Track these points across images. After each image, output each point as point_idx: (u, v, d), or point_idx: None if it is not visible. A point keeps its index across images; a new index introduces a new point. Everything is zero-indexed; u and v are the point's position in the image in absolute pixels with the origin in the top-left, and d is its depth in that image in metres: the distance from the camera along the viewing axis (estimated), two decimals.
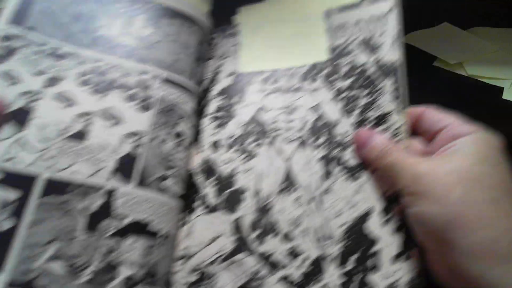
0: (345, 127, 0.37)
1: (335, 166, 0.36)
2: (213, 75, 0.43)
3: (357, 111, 0.37)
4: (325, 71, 0.40)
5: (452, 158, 0.30)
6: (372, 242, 0.33)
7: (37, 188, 0.31)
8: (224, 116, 0.40)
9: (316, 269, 0.33)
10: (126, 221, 0.32)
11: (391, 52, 0.37)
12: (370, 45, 0.39)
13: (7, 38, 0.34)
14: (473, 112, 0.35)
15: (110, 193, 0.32)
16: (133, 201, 0.33)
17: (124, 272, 0.30)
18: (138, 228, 0.32)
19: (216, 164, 0.38)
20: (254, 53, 0.42)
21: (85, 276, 0.29)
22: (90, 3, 0.38)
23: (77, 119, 0.34)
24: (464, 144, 0.31)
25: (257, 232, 0.35)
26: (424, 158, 0.32)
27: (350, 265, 0.32)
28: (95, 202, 0.32)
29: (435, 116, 0.34)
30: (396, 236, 0.32)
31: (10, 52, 0.34)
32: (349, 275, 0.32)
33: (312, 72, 0.40)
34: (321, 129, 0.37)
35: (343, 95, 0.38)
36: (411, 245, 0.32)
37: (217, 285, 0.34)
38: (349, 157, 0.36)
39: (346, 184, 0.35)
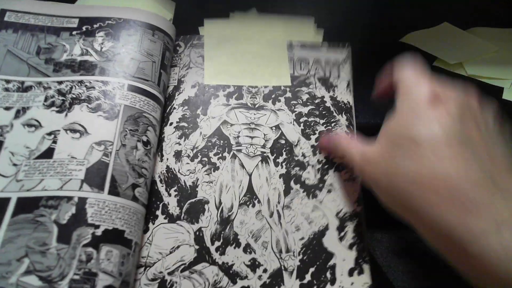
0: (304, 149, 0.40)
1: (295, 184, 0.38)
2: (177, 83, 0.43)
3: (315, 136, 0.41)
4: (287, 95, 0.42)
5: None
6: (328, 256, 0.35)
7: (10, 209, 0.31)
8: (187, 127, 0.40)
9: (275, 281, 0.34)
10: (102, 229, 0.31)
11: (346, 95, 0.44)
12: (327, 84, 0.44)
13: None
14: None
15: (81, 202, 0.31)
16: (106, 209, 0.31)
17: (103, 282, 0.29)
18: (115, 236, 0.31)
19: (178, 174, 0.38)
20: (219, 67, 0.43)
21: (63, 287, 0.28)
22: (49, 37, 0.40)
23: (44, 138, 0.35)
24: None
25: (218, 243, 0.35)
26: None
27: (308, 278, 0.35)
28: (67, 212, 0.31)
29: None
30: (351, 252, 0.36)
31: None
32: (307, 287, 0.34)
33: (275, 93, 0.42)
34: (282, 147, 0.40)
35: (303, 119, 0.41)
36: (364, 260, 0.35)
37: None
38: (308, 176, 0.38)
39: (304, 201, 0.38)
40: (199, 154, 0.39)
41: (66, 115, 0.36)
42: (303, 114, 0.42)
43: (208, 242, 0.35)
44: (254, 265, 0.35)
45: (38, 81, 0.37)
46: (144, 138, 0.36)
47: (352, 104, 0.43)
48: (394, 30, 0.52)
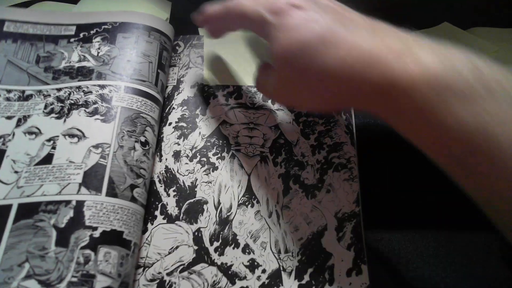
0: (303, 148, 0.40)
1: (294, 184, 0.38)
2: (176, 83, 0.43)
3: (314, 136, 0.40)
4: None
5: None
6: (327, 256, 0.35)
7: (11, 216, 0.32)
8: (186, 127, 0.40)
9: (274, 281, 0.34)
10: (99, 231, 0.31)
11: None
12: None
13: None
14: None
15: (79, 205, 0.32)
16: (104, 211, 0.32)
17: (101, 283, 0.29)
18: (113, 238, 0.31)
19: (177, 174, 0.38)
20: (218, 68, 0.43)
21: None
22: (48, 46, 0.41)
23: (44, 145, 0.35)
24: None
25: (217, 244, 0.35)
26: None
27: (306, 278, 0.35)
28: (65, 216, 0.31)
29: None
30: (349, 252, 0.36)
31: None
32: (306, 287, 0.34)
33: None
34: (281, 147, 0.40)
35: (302, 119, 0.41)
36: (362, 261, 0.35)
37: None
38: (307, 176, 0.38)
39: (303, 201, 0.37)
40: (198, 154, 0.39)
41: (64, 120, 0.36)
42: (302, 114, 0.41)
43: (207, 243, 0.35)
44: (253, 266, 0.35)
45: (38, 89, 0.38)
46: (142, 139, 0.36)
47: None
48: None
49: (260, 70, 0.36)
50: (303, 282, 0.35)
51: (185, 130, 0.40)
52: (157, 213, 0.36)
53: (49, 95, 0.38)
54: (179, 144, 0.39)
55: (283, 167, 0.39)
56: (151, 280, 0.34)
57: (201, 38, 0.45)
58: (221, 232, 0.36)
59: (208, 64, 0.43)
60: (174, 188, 0.37)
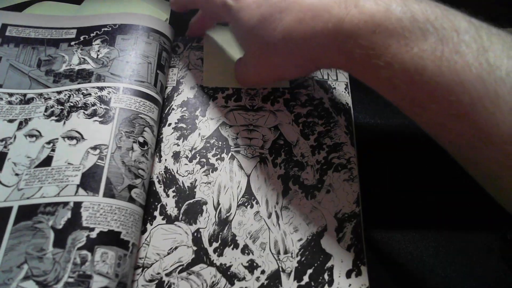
0: (303, 149, 0.40)
1: (293, 184, 0.38)
2: (176, 84, 0.43)
3: (314, 136, 0.40)
4: (286, 96, 0.42)
5: None
6: (326, 257, 0.35)
7: (12, 218, 0.32)
8: (186, 128, 0.40)
9: (273, 282, 0.34)
10: (96, 232, 0.31)
11: (344, 96, 0.43)
12: (325, 85, 0.44)
13: None
14: None
15: (76, 207, 0.32)
16: (101, 212, 0.32)
17: (98, 283, 0.30)
18: (111, 238, 0.32)
19: (176, 175, 0.38)
20: (218, 70, 0.43)
21: None
22: (49, 49, 0.42)
23: (44, 147, 0.36)
24: None
25: (216, 244, 0.35)
26: None
27: (306, 279, 0.35)
28: (63, 217, 0.32)
29: None
30: (349, 253, 0.35)
31: None
32: None
33: (273, 94, 0.42)
34: (281, 148, 0.40)
35: (302, 119, 0.41)
36: (361, 262, 0.35)
37: None
38: (307, 176, 0.38)
39: (303, 201, 0.37)
40: (197, 155, 0.39)
41: (64, 123, 0.37)
42: (302, 114, 0.41)
43: (206, 243, 0.35)
44: (252, 267, 0.35)
45: (39, 92, 0.39)
46: (141, 139, 0.36)
47: (351, 105, 0.43)
48: None
49: (236, 66, 0.42)
50: (303, 283, 0.34)
51: (185, 131, 0.40)
52: (156, 213, 0.36)
53: (50, 98, 0.38)
54: (178, 145, 0.39)
55: (282, 168, 0.39)
56: (150, 281, 0.34)
57: (201, 39, 0.45)
58: (220, 233, 0.36)
59: (208, 66, 0.43)
60: (173, 188, 0.37)
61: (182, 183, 0.38)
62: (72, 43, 0.41)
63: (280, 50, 0.34)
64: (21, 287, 0.29)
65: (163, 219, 0.36)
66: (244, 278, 0.34)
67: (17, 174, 0.34)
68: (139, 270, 0.34)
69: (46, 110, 0.37)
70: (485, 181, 0.30)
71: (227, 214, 0.37)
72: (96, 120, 0.36)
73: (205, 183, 0.38)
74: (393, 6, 0.29)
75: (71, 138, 0.36)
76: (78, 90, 0.38)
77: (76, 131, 0.36)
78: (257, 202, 0.37)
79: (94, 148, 0.35)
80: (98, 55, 0.40)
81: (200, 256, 0.35)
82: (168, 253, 0.35)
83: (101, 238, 0.31)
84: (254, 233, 0.36)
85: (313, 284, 0.34)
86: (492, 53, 0.27)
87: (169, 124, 0.40)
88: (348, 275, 0.35)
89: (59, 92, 0.38)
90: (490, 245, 0.37)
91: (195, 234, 0.36)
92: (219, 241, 0.36)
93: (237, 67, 0.42)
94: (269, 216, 0.37)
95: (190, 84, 0.42)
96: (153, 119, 0.38)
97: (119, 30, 0.42)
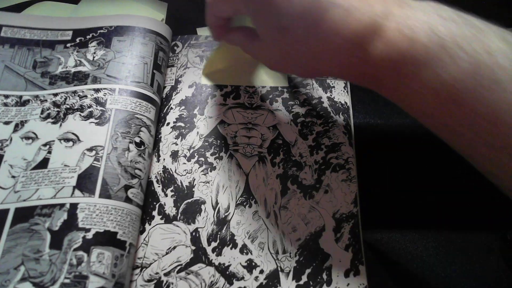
0: (301, 149, 0.39)
1: (292, 184, 0.38)
2: (175, 83, 0.43)
3: (312, 136, 0.40)
4: (284, 95, 0.42)
5: None
6: (325, 257, 0.35)
7: (8, 220, 0.33)
8: (184, 127, 0.40)
9: (272, 282, 0.34)
10: (92, 232, 0.32)
11: (343, 95, 0.43)
12: (324, 84, 0.43)
13: None
14: None
15: (73, 208, 0.32)
16: (97, 212, 0.32)
17: (94, 284, 0.30)
18: (107, 239, 0.32)
19: (175, 174, 0.38)
20: (216, 67, 0.43)
21: None
22: (45, 51, 0.42)
23: (40, 149, 0.36)
24: None
25: (215, 244, 0.35)
26: None
27: (304, 279, 0.34)
28: (59, 219, 0.32)
29: None
30: (347, 253, 0.35)
31: None
32: None
33: (272, 93, 0.42)
34: (279, 147, 0.39)
35: (300, 119, 0.41)
36: (359, 261, 0.35)
37: None
38: (305, 176, 0.38)
39: (301, 201, 0.37)
40: (196, 154, 0.39)
41: (60, 125, 0.37)
42: (301, 114, 0.41)
43: (204, 243, 0.35)
44: (250, 266, 0.35)
45: (35, 94, 0.39)
46: (137, 139, 0.36)
47: (350, 105, 0.42)
48: None
49: (247, 38, 0.35)
50: (301, 282, 0.34)
51: (183, 130, 0.40)
52: (154, 213, 0.36)
53: (46, 100, 0.38)
54: (177, 144, 0.39)
55: (281, 168, 0.39)
56: (149, 281, 0.34)
57: (199, 38, 0.45)
58: (219, 233, 0.36)
59: (207, 64, 0.43)
60: (171, 188, 0.37)
61: (181, 182, 0.38)
62: (68, 45, 0.41)
63: (323, 44, 0.30)
64: None
65: (161, 218, 0.36)
66: (242, 278, 0.34)
67: (13, 177, 0.34)
68: (138, 270, 0.34)
69: (42, 112, 0.38)
70: None
71: (226, 214, 0.37)
72: (92, 122, 0.36)
73: (203, 182, 0.38)
74: (418, 33, 0.27)
75: (67, 140, 0.36)
76: (74, 92, 0.38)
77: (73, 133, 0.36)
78: (256, 202, 0.37)
79: (90, 149, 0.35)
80: (94, 57, 0.40)
81: (199, 255, 0.35)
82: (167, 253, 0.35)
83: (97, 238, 0.31)
84: (253, 233, 0.36)
85: (311, 283, 0.34)
86: None
87: (168, 124, 0.40)
88: (347, 274, 0.35)
89: (55, 94, 0.38)
90: (490, 245, 0.37)
91: (194, 233, 0.36)
92: (218, 241, 0.36)
93: (252, 47, 0.36)
94: (268, 215, 0.37)
95: (188, 83, 0.42)
96: (150, 118, 0.38)
97: (115, 32, 0.42)
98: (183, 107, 0.41)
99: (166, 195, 0.37)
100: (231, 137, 0.40)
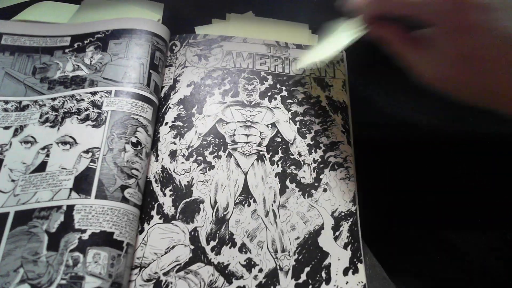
0: (300, 147, 0.39)
1: (290, 183, 0.38)
2: (173, 82, 0.43)
3: (311, 135, 0.40)
4: (283, 93, 0.42)
5: None
6: (324, 256, 0.35)
7: (8, 223, 0.33)
8: (182, 126, 0.40)
9: (271, 280, 0.34)
10: (88, 233, 0.32)
11: (341, 94, 0.43)
12: (322, 83, 0.43)
13: None
14: (473, 111, 0.38)
15: (69, 210, 0.33)
16: (93, 213, 0.33)
17: (90, 284, 0.30)
18: (103, 239, 0.32)
19: (173, 174, 0.38)
20: (314, 60, 0.43)
21: None
22: (44, 57, 0.42)
23: (39, 153, 0.36)
24: None
25: (214, 243, 0.35)
26: None
27: (303, 277, 0.34)
28: (56, 221, 0.32)
29: None
30: (345, 251, 0.35)
31: None
32: (303, 286, 0.34)
33: (271, 91, 0.42)
34: (278, 145, 0.39)
35: (299, 118, 0.41)
36: (358, 259, 0.35)
37: None
38: (304, 175, 0.38)
39: (300, 200, 0.37)
40: (194, 153, 0.39)
41: (58, 129, 0.37)
42: (299, 113, 0.41)
43: (203, 242, 0.36)
44: (249, 265, 0.35)
45: (34, 99, 0.39)
46: (133, 139, 0.36)
47: (348, 104, 0.42)
48: None
49: (403, 41, 0.33)
50: (300, 281, 0.34)
51: (181, 129, 0.40)
52: (153, 213, 0.36)
53: (44, 105, 0.39)
54: (175, 144, 0.39)
55: (279, 166, 0.38)
56: (148, 280, 0.34)
57: (197, 36, 0.45)
58: (218, 232, 0.36)
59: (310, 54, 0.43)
60: (170, 187, 0.37)
61: (179, 181, 0.38)
62: (66, 50, 0.42)
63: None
64: None
65: (160, 218, 0.36)
66: (242, 277, 0.34)
67: (13, 180, 0.35)
68: (137, 270, 0.34)
69: (41, 116, 0.38)
70: None
71: (225, 213, 0.37)
72: (88, 125, 0.37)
73: (202, 181, 0.38)
74: None
75: (64, 143, 0.36)
76: (72, 96, 0.39)
77: (70, 136, 0.37)
78: (254, 201, 0.37)
79: (87, 151, 0.36)
80: (91, 61, 0.41)
81: (198, 255, 0.35)
82: (166, 252, 0.35)
83: (93, 239, 0.32)
84: (252, 232, 0.36)
85: (310, 282, 0.34)
86: None
87: (166, 123, 0.40)
88: (345, 272, 0.35)
89: (53, 99, 0.39)
90: (490, 245, 0.37)
91: (193, 233, 0.36)
92: (217, 240, 0.36)
93: (415, 59, 0.33)
94: (266, 214, 0.37)
95: (186, 82, 0.42)
96: (147, 118, 0.38)
97: (112, 35, 0.42)
98: (181, 106, 0.41)
99: (164, 195, 0.37)
100: (230, 135, 0.39)
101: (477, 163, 0.40)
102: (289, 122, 0.40)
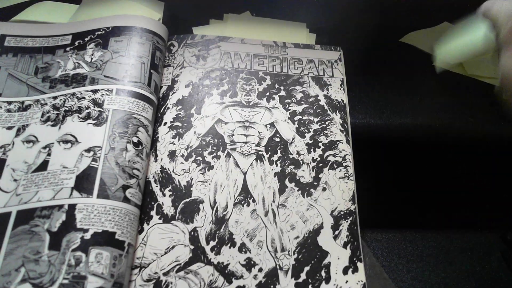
0: (299, 147, 0.39)
1: (289, 182, 0.38)
2: (171, 83, 0.43)
3: (310, 134, 0.40)
4: (281, 93, 0.42)
5: None
6: (323, 255, 0.35)
7: (11, 223, 0.33)
8: (181, 127, 0.40)
9: (270, 280, 0.34)
10: (90, 233, 0.32)
11: (339, 93, 0.43)
12: (321, 82, 0.44)
13: None
14: (473, 111, 0.38)
15: (71, 209, 0.33)
16: (95, 213, 0.33)
17: (93, 284, 0.30)
18: (105, 239, 0.32)
19: (173, 174, 0.38)
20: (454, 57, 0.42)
21: None
22: (46, 57, 0.42)
23: (40, 152, 0.36)
24: None
25: (214, 243, 0.35)
26: None
27: (303, 276, 0.34)
28: (58, 220, 0.32)
29: None
30: (345, 250, 0.35)
31: None
32: (302, 285, 0.34)
33: (269, 91, 0.42)
34: (277, 145, 0.39)
35: (297, 117, 0.41)
36: (358, 258, 0.35)
37: None
38: (303, 174, 0.38)
39: (299, 199, 0.37)
40: (193, 153, 0.39)
41: (59, 127, 0.37)
42: (298, 112, 0.41)
43: (203, 242, 0.36)
44: (249, 265, 0.35)
45: (36, 99, 0.39)
46: (135, 139, 0.36)
47: (346, 102, 0.42)
48: (394, 30, 0.51)
49: None
50: (300, 280, 0.34)
51: (180, 129, 0.40)
52: (153, 213, 0.36)
53: (46, 104, 0.39)
54: (174, 144, 0.39)
55: (278, 166, 0.39)
56: (148, 280, 0.34)
57: (195, 37, 0.45)
58: (217, 232, 0.36)
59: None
60: (169, 188, 0.37)
61: (178, 182, 0.38)
62: (68, 48, 0.42)
63: None
64: None
65: (159, 218, 0.36)
66: (241, 277, 0.34)
67: (15, 180, 0.35)
68: (137, 270, 0.34)
69: (42, 115, 0.38)
70: None
71: (224, 213, 0.37)
72: (90, 123, 0.37)
73: (201, 181, 0.38)
74: None
75: (66, 142, 0.36)
76: (73, 94, 0.39)
77: (71, 135, 0.36)
78: (254, 200, 0.37)
79: (88, 150, 0.35)
80: (92, 58, 0.41)
81: (198, 255, 0.35)
82: (166, 253, 0.35)
83: (95, 239, 0.32)
84: (251, 231, 0.36)
85: (310, 281, 0.34)
86: None
87: (165, 123, 0.40)
88: (345, 271, 0.35)
89: (54, 98, 0.39)
90: (490, 245, 0.37)
91: (192, 233, 0.36)
92: (216, 240, 0.36)
93: None
94: (266, 214, 0.37)
95: (185, 82, 0.42)
96: (148, 118, 0.38)
97: (112, 32, 0.42)
98: (180, 107, 0.41)
99: (164, 195, 0.37)
100: (229, 135, 0.40)
101: (477, 163, 0.40)
102: (288, 122, 0.40)
